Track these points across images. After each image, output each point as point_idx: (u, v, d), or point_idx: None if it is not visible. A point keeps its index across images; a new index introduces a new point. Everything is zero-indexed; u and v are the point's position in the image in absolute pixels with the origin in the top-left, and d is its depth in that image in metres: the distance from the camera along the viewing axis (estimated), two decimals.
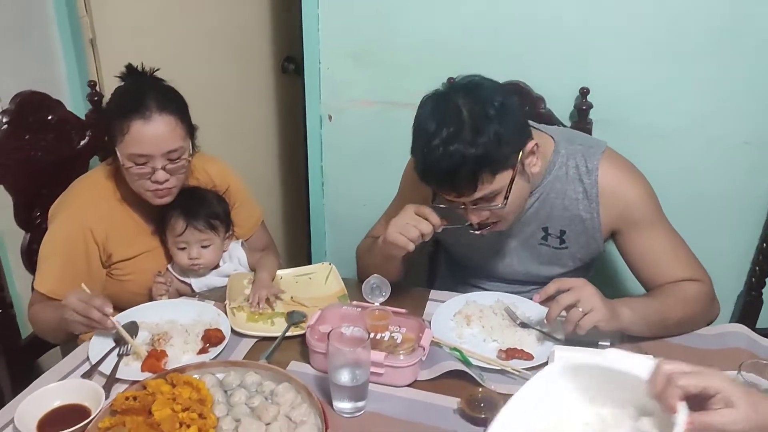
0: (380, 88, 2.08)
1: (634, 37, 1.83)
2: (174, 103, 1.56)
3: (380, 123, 2.12)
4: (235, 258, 1.76)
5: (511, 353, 1.41)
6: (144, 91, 1.54)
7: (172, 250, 1.69)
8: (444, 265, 1.89)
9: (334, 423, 1.22)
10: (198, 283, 1.72)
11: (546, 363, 1.36)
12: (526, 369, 1.36)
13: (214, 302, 1.62)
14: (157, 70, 1.64)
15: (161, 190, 1.58)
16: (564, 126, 1.85)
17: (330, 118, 2.16)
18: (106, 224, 1.64)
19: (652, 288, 1.53)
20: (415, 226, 1.43)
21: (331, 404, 1.29)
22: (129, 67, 1.63)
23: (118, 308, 1.72)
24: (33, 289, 1.63)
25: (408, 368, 1.33)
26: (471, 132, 1.31)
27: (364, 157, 2.19)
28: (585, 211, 1.55)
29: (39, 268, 1.61)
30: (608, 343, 1.37)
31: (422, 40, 1.99)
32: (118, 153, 1.55)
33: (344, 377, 1.25)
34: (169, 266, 1.73)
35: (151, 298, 1.67)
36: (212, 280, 1.73)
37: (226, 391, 1.30)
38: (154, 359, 1.39)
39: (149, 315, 1.54)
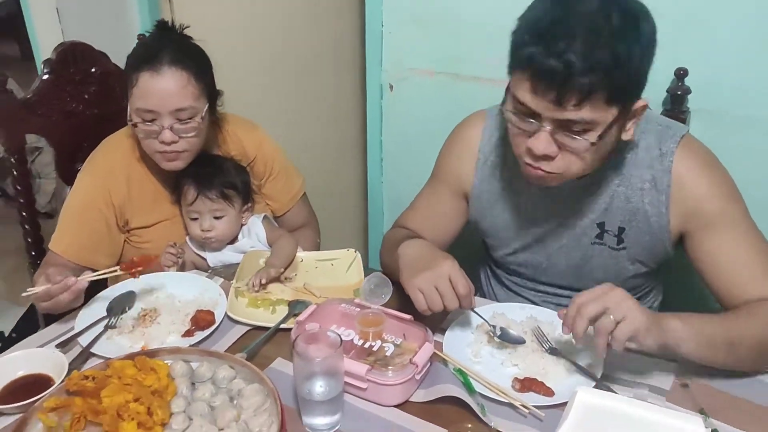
0: (445, 58, 1.85)
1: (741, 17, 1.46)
2: (191, 60, 1.44)
3: (443, 96, 1.90)
4: (253, 234, 1.63)
5: (527, 384, 1.17)
6: (162, 45, 1.44)
7: (186, 220, 1.59)
8: (478, 261, 1.63)
9: None
10: (213, 259, 1.61)
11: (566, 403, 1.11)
12: (540, 407, 1.12)
13: (222, 280, 1.50)
14: (187, 27, 1.53)
15: (169, 153, 1.47)
16: None
17: (391, 87, 1.96)
18: (126, 189, 1.57)
19: (730, 307, 1.21)
20: (442, 295, 1.18)
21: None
22: (160, 22, 1.53)
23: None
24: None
25: (396, 386, 1.14)
26: (616, 40, 1.03)
27: (426, 132, 1.97)
28: (651, 205, 1.26)
29: (57, 227, 1.57)
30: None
31: (494, 7, 1.72)
32: (128, 108, 1.45)
33: (313, 388, 1.08)
34: (187, 238, 1.63)
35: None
36: (228, 255, 1.61)
37: (194, 384, 1.18)
38: (132, 263, 1.35)
39: (150, 286, 1.45)
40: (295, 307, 1.39)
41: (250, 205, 1.64)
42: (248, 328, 1.35)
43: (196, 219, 1.57)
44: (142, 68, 1.41)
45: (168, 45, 1.44)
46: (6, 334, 2.66)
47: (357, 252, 1.57)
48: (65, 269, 1.34)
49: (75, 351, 1.28)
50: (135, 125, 1.46)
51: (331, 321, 1.27)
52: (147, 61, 1.41)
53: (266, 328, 1.34)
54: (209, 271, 1.56)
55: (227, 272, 1.55)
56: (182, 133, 1.46)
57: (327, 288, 1.47)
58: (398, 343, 1.21)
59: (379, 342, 1.21)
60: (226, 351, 1.27)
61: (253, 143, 1.68)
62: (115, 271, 1.35)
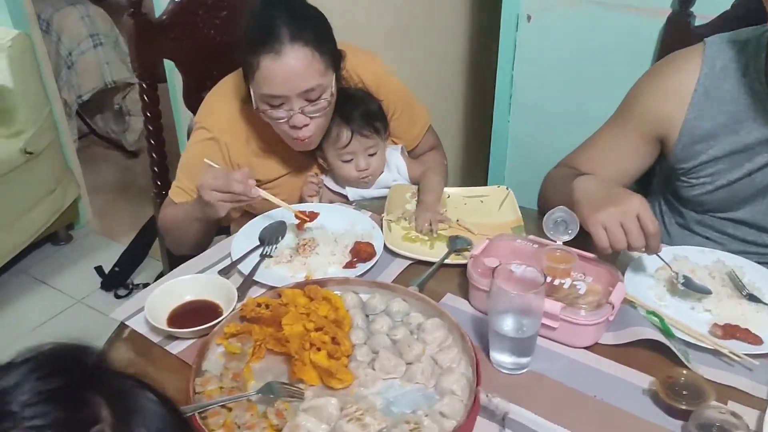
0: None
1: None
2: (310, 32, 1.30)
3: (588, 29, 1.76)
4: (393, 166, 1.55)
5: (730, 331, 1.08)
6: (275, 16, 1.30)
7: (335, 164, 1.50)
8: (660, 195, 1.51)
9: (488, 377, 0.99)
10: (353, 194, 1.54)
11: None
12: (750, 356, 1.03)
13: (370, 213, 1.44)
14: None
15: (300, 139, 1.38)
16: None
17: (529, 18, 1.83)
18: (246, 145, 1.47)
19: None
20: (627, 233, 1.10)
21: (487, 353, 1.06)
22: None
23: None
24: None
25: (590, 327, 1.06)
26: None
27: (564, 69, 1.86)
28: None
29: (177, 176, 1.50)
30: None
31: None
32: (251, 93, 1.35)
33: (508, 325, 1.01)
34: (323, 177, 1.56)
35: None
36: (369, 190, 1.54)
37: (367, 316, 1.13)
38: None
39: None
40: (455, 242, 1.32)
41: (387, 134, 1.55)
42: (409, 262, 1.29)
43: (350, 161, 1.49)
44: (262, 51, 1.28)
45: (282, 14, 1.30)
46: (105, 270, 2.67)
47: (509, 189, 1.48)
48: None
49: (235, 279, 1.23)
50: (262, 111, 1.35)
51: (506, 256, 1.19)
52: (265, 42, 1.28)
53: (426, 263, 1.27)
54: (353, 205, 1.49)
55: (372, 206, 1.48)
56: (313, 113, 1.35)
57: (481, 225, 1.39)
58: (588, 282, 1.13)
59: (568, 280, 1.13)
60: (395, 280, 1.21)
61: (373, 79, 1.55)
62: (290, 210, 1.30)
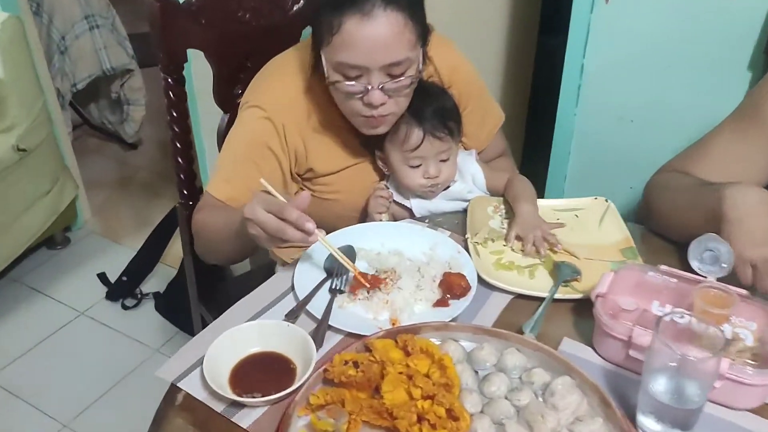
0: None
1: None
2: None
3: (677, 10, 1.54)
4: (467, 175, 1.33)
5: None
6: None
7: (399, 168, 1.27)
8: None
9: None
10: (419, 207, 1.32)
11: None
12: None
13: (450, 232, 1.22)
14: None
15: (374, 117, 1.16)
16: None
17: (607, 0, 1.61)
18: (307, 126, 1.26)
19: None
20: None
21: (631, 417, 0.85)
22: None
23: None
24: (203, 193, 1.30)
25: (758, 387, 0.86)
26: None
27: (645, 57, 1.64)
28: None
29: (218, 168, 1.28)
30: None
31: None
32: (323, 59, 1.13)
33: (668, 391, 0.81)
34: (383, 183, 1.34)
35: (362, 220, 1.30)
36: (438, 203, 1.32)
37: (476, 372, 0.91)
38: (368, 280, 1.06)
39: (367, 240, 1.18)
40: (561, 270, 1.10)
41: (461, 136, 1.32)
42: (510, 297, 1.07)
43: (418, 166, 1.26)
44: (348, 10, 1.06)
45: None
46: (109, 276, 2.44)
47: (609, 202, 1.27)
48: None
49: (304, 322, 1.01)
50: (333, 83, 1.14)
51: (631, 291, 0.99)
52: (352, 1, 1.07)
53: (530, 297, 1.06)
54: (426, 222, 1.27)
55: (447, 222, 1.26)
56: (393, 92, 1.14)
57: (584, 247, 1.18)
58: (752, 328, 0.93)
59: (728, 326, 0.92)
60: (493, 326, 1.00)
61: (447, 66, 1.33)
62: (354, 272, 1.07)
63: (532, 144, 1.93)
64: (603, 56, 1.68)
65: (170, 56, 1.37)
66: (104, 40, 2.75)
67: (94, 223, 2.80)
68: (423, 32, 1.15)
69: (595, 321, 0.96)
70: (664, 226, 1.19)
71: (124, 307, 2.35)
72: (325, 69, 1.13)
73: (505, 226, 1.24)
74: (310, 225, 0.98)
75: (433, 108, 1.24)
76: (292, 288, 1.08)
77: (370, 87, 1.12)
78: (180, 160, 1.48)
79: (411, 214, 1.33)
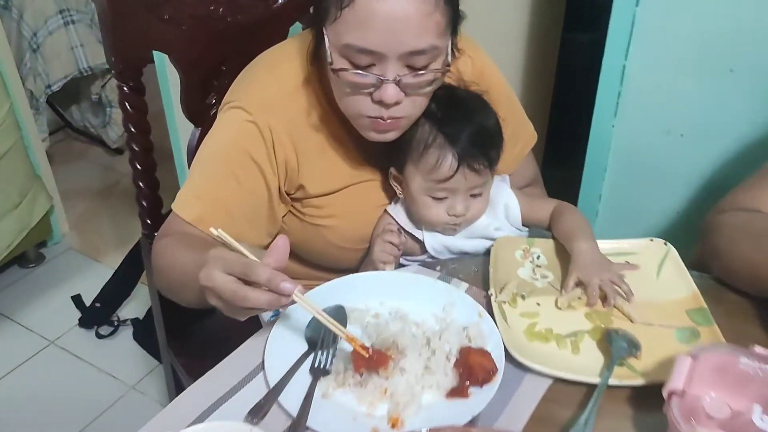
0: None
1: None
2: None
3: (738, 3, 1.28)
4: (498, 206, 1.07)
5: None
6: None
7: (418, 198, 1.02)
8: None
9: None
10: (433, 242, 1.06)
11: None
12: None
13: (467, 285, 0.97)
14: None
15: (384, 120, 0.91)
16: None
17: None
18: (299, 131, 1.01)
19: None
20: None
21: None
22: None
23: (308, 265, 1.14)
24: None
25: None
26: None
27: (699, 58, 1.37)
28: None
29: (188, 180, 1.02)
30: None
31: None
32: (326, 40, 0.89)
33: None
34: (390, 209, 1.08)
35: (364, 265, 1.06)
36: (457, 240, 1.06)
37: None
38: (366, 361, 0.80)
39: (362, 296, 0.92)
40: (615, 342, 0.85)
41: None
42: (549, 381, 0.82)
43: (443, 198, 1.01)
44: None
45: None
46: (85, 299, 2.19)
47: (669, 245, 1.01)
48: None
49: (276, 419, 0.76)
50: (337, 72, 0.88)
51: (713, 381, 0.73)
52: None
53: (576, 383, 0.80)
54: (438, 268, 1.01)
55: (464, 269, 1.01)
56: (412, 89, 0.89)
57: (641, 306, 0.92)
58: None
59: None
60: (530, 427, 0.74)
61: (473, 68, 1.09)
62: (348, 338, 0.81)
63: (555, 162, 1.65)
64: (649, 57, 1.41)
65: (125, 59, 1.12)
66: (81, 37, 2.49)
67: (72, 238, 2.55)
68: (455, 17, 0.90)
69: (669, 427, 0.70)
70: (742, 281, 0.93)
71: (99, 336, 2.10)
72: (328, 52, 0.88)
73: (539, 276, 0.99)
74: (287, 285, 0.73)
75: (474, 130, 0.98)
76: (263, 366, 0.83)
77: (383, 79, 0.87)
78: (141, 184, 1.23)
79: (421, 248, 1.07)
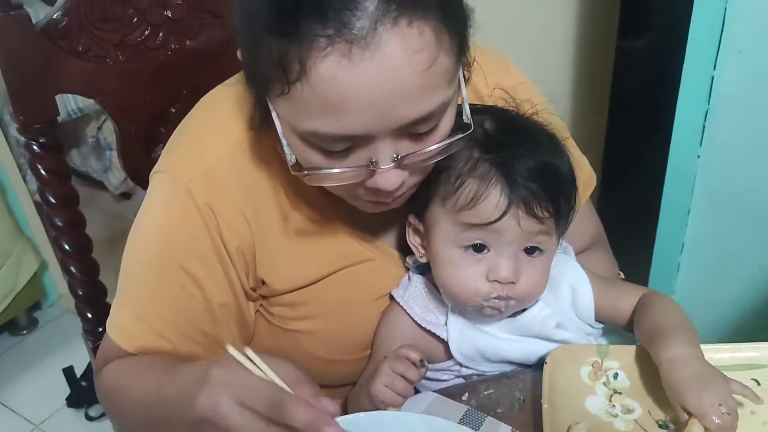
0: None
1: None
2: None
3: None
4: (562, 289, 0.73)
5: None
6: None
7: (445, 253, 0.67)
8: None
9: None
10: (462, 342, 0.72)
11: None
12: None
13: (509, 429, 0.63)
14: None
15: (387, 202, 0.65)
16: None
17: None
18: (256, 205, 0.70)
19: None
20: None
21: None
22: None
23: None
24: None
25: None
26: None
27: None
28: None
29: (119, 292, 0.74)
30: None
31: None
32: (274, 116, 0.60)
33: None
34: (397, 294, 0.75)
35: (358, 391, 0.73)
36: (497, 338, 0.71)
37: None
38: None
39: None
40: None
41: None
42: None
43: (483, 252, 0.67)
44: (316, 39, 0.52)
45: None
46: (77, 371, 1.94)
47: None
48: None
49: None
50: (306, 172, 0.61)
51: None
52: (323, 14, 0.51)
53: None
54: (463, 399, 0.67)
55: (504, 399, 0.67)
56: (417, 159, 0.60)
57: None
58: None
59: None
60: None
61: (507, 85, 0.76)
62: None
63: (613, 207, 1.26)
64: (745, 68, 1.05)
65: (28, 109, 0.82)
66: None
67: (69, 299, 2.30)
68: (461, 34, 0.59)
69: None
70: None
71: (89, 418, 1.84)
72: (283, 141, 0.60)
73: (619, 410, 0.64)
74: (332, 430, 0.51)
75: (536, 164, 0.66)
76: None
77: (374, 162, 0.58)
78: (73, 269, 0.95)
79: (445, 350, 0.73)
